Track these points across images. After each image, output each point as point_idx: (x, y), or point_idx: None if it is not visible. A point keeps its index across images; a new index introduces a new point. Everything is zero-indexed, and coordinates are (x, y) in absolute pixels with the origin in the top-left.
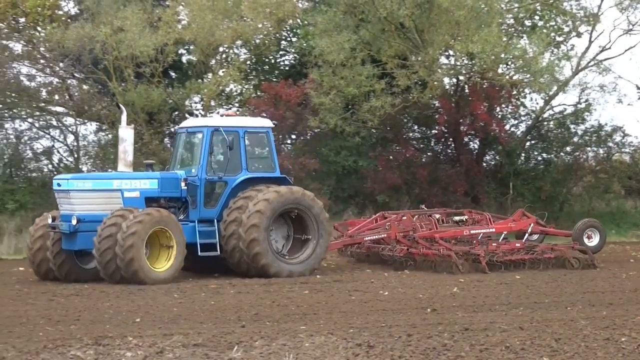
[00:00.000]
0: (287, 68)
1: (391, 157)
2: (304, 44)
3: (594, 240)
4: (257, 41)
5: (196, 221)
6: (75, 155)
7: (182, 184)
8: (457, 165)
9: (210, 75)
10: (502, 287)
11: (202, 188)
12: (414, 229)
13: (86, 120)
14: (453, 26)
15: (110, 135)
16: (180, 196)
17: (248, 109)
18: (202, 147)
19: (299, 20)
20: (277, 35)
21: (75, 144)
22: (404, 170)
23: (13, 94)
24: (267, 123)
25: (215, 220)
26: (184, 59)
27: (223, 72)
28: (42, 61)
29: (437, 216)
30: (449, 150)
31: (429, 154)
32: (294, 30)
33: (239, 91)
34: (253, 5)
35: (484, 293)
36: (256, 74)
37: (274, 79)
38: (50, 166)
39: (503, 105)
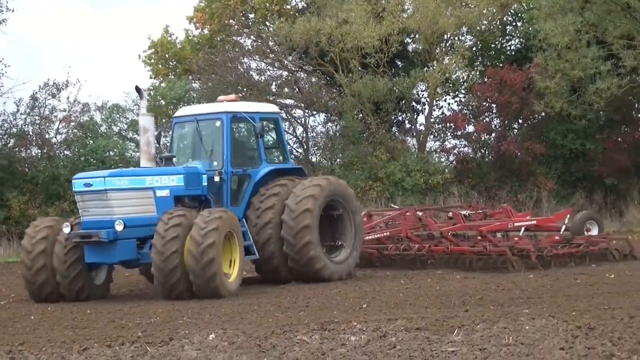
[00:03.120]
0: (512, 53)
1: (619, 139)
2: (529, 28)
3: (592, 232)
4: (482, 27)
5: None
6: (305, 147)
7: (204, 179)
8: None
9: (435, 63)
10: None
11: (228, 183)
12: (427, 225)
13: (314, 112)
14: None
15: (338, 126)
16: (201, 193)
17: (473, 94)
18: (223, 136)
19: (523, 4)
20: (502, 20)
21: (304, 135)
22: (633, 152)
23: (244, 89)
24: (275, 108)
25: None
26: (409, 48)
27: (448, 59)
28: (271, 55)
29: (465, 212)
30: None
31: None
32: (519, 15)
33: (464, 78)
34: None
35: None
36: (481, 60)
37: (500, 64)
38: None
39: None
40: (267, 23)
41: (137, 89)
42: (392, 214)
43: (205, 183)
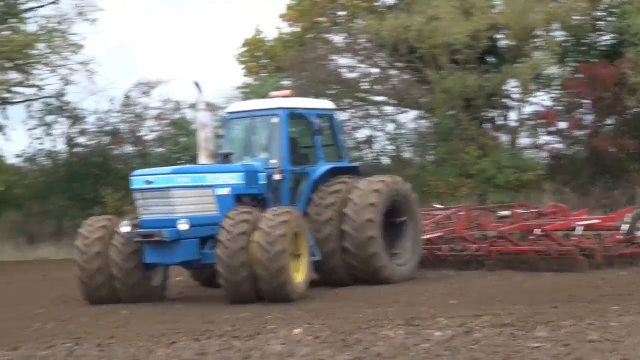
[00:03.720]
0: (604, 48)
1: None
2: (621, 23)
3: None
4: (573, 22)
5: None
6: (396, 143)
7: (262, 177)
8: None
9: (525, 58)
10: None
11: (287, 182)
12: (483, 224)
13: (405, 109)
14: None
15: (429, 122)
16: (259, 192)
17: (565, 90)
18: (281, 133)
19: None
20: (593, 15)
21: (394, 131)
22: None
23: (335, 86)
24: (330, 104)
25: None
26: (500, 44)
27: (538, 55)
28: (361, 52)
29: (507, 212)
30: None
31: None
32: (610, 10)
33: (555, 73)
34: None
35: None
36: (573, 55)
37: (591, 60)
38: (371, 155)
39: None
40: (357, 20)
41: (195, 84)
42: (445, 213)
43: (263, 182)
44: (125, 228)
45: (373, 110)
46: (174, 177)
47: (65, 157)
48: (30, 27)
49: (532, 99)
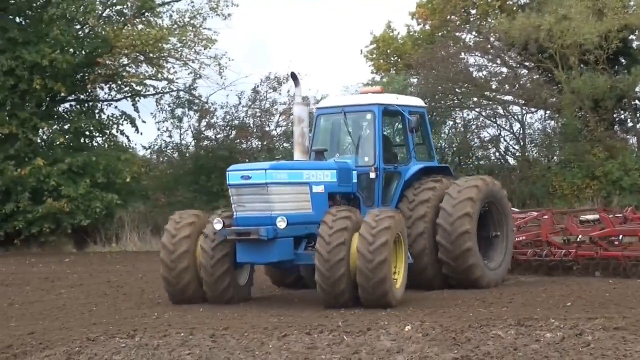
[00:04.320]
0: None
1: None
2: None
3: None
4: None
5: None
6: (522, 143)
7: (354, 175)
8: None
9: None
10: None
11: (380, 180)
12: (569, 229)
13: (533, 109)
14: None
15: (557, 123)
16: (351, 191)
17: None
18: (375, 130)
19: None
20: None
21: (521, 131)
22: None
23: (464, 85)
24: (421, 102)
25: None
26: (632, 45)
27: None
28: (491, 51)
29: (590, 217)
30: None
31: None
32: None
33: None
34: None
35: None
36: None
37: None
38: (497, 154)
39: None
40: (488, 19)
41: (293, 76)
42: (527, 217)
43: (355, 180)
44: (217, 225)
45: (500, 110)
46: (272, 173)
47: (193, 150)
48: (164, 21)
49: None
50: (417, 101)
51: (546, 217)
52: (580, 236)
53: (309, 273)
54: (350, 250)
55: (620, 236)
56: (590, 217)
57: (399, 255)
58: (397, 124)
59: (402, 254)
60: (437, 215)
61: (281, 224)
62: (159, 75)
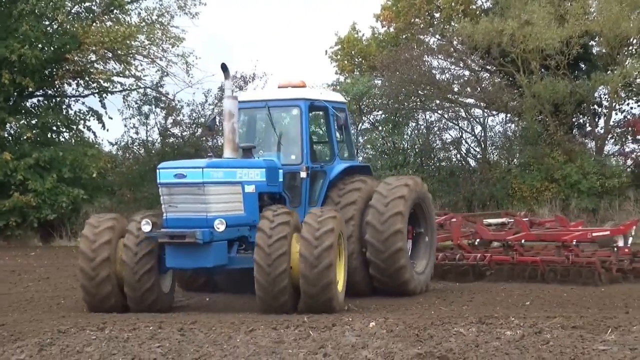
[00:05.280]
0: None
1: None
2: None
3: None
4: None
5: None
6: (483, 146)
7: (281, 174)
8: None
9: (617, 67)
10: None
11: (308, 180)
12: (480, 232)
13: (494, 112)
14: None
15: (517, 127)
16: (278, 191)
17: None
18: (302, 127)
19: None
20: None
21: (482, 134)
22: None
23: (427, 87)
24: (343, 98)
25: None
26: (593, 51)
27: (630, 63)
28: (454, 55)
29: (493, 221)
30: None
31: None
32: None
33: None
34: None
35: None
36: None
37: None
38: (458, 156)
39: None
40: (452, 22)
41: (223, 67)
42: (438, 219)
43: (281, 179)
44: (145, 227)
45: (462, 113)
46: (209, 172)
47: (159, 147)
48: (133, 19)
49: (623, 107)
50: (339, 97)
51: (454, 220)
52: (494, 241)
53: (235, 277)
54: (291, 256)
55: (522, 240)
56: (492, 220)
57: (341, 258)
58: (321, 120)
59: (343, 256)
60: (364, 217)
61: (220, 226)
62: (127, 72)
